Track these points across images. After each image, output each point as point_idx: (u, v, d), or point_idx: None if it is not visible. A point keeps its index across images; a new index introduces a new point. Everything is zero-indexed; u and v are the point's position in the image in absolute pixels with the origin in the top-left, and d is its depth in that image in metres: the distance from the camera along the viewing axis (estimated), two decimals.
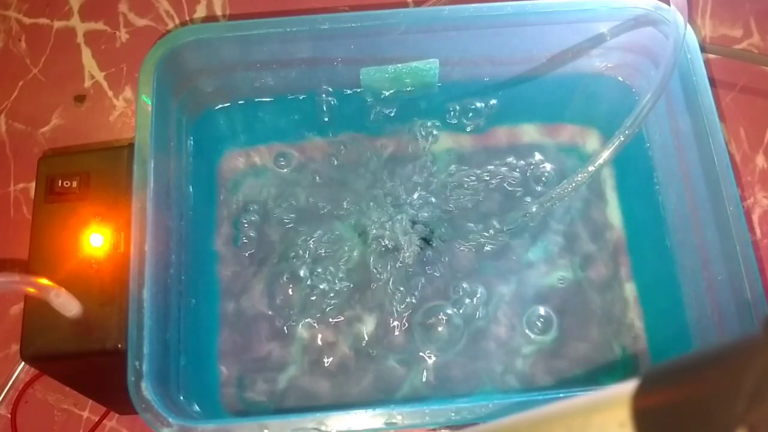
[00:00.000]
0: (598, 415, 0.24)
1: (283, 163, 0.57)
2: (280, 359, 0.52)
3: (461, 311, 0.53)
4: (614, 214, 0.56)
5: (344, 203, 0.56)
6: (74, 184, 0.48)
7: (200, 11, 0.64)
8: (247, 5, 0.64)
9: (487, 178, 0.56)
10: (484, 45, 0.55)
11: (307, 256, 0.54)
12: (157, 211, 0.47)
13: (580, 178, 0.48)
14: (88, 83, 0.62)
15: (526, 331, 0.52)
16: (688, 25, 0.49)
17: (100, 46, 0.63)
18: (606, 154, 0.47)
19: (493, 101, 0.58)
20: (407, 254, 0.54)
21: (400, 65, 0.56)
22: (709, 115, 0.49)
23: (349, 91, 0.58)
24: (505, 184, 0.56)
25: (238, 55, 0.54)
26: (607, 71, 0.58)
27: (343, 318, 0.53)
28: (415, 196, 0.55)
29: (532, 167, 0.57)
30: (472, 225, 0.55)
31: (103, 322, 0.45)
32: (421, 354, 0.52)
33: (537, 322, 0.52)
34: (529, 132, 0.58)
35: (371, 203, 0.55)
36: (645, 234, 0.55)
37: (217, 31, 0.53)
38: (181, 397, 0.47)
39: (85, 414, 0.52)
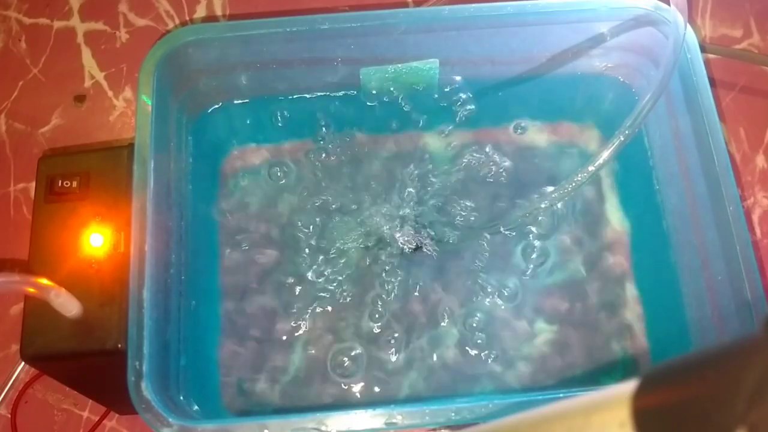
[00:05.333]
0: (598, 415, 0.24)
1: (282, 163, 0.57)
2: (281, 359, 0.52)
3: (461, 311, 0.53)
4: (614, 214, 0.56)
5: (344, 203, 0.56)
6: (74, 184, 0.48)
7: (200, 11, 0.64)
8: (247, 5, 0.64)
9: (487, 179, 0.56)
10: (484, 45, 0.55)
11: (307, 256, 0.54)
12: (157, 211, 0.47)
13: (580, 178, 0.48)
14: (88, 83, 0.62)
15: (526, 330, 0.52)
16: (688, 25, 0.49)
17: (100, 46, 0.63)
18: (606, 154, 0.47)
19: (492, 101, 0.58)
20: (407, 254, 0.54)
21: (400, 65, 0.56)
22: (709, 115, 0.49)
23: (349, 92, 0.58)
24: (504, 184, 0.56)
25: (238, 55, 0.54)
26: (607, 71, 0.58)
27: (344, 318, 0.53)
28: (415, 195, 0.55)
29: (531, 167, 0.57)
30: (471, 224, 0.55)
31: (103, 322, 0.45)
32: (421, 354, 0.52)
33: (537, 322, 0.52)
34: (530, 132, 0.58)
35: (372, 203, 0.55)
36: (645, 234, 0.55)
37: (217, 31, 0.53)
38: (181, 397, 0.47)
39: (85, 414, 0.52)
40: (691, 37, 0.51)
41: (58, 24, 0.64)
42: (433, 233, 0.54)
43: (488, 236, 0.54)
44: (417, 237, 0.54)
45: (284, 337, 0.52)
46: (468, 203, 0.55)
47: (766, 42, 0.61)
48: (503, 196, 0.56)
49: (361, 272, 0.54)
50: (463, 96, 0.58)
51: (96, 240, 0.47)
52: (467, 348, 0.52)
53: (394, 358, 0.52)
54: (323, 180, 0.57)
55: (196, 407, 0.48)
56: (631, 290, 0.53)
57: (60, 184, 0.48)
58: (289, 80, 0.57)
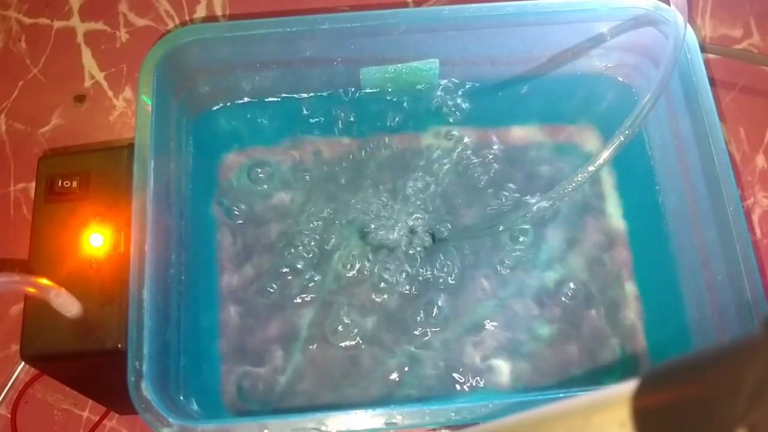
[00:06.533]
0: (598, 415, 0.24)
1: (282, 163, 0.57)
2: (281, 359, 0.52)
3: (460, 311, 0.53)
4: (614, 214, 0.56)
5: (344, 203, 0.56)
6: (74, 184, 0.48)
7: (200, 11, 0.64)
8: (247, 5, 0.64)
9: (487, 179, 0.56)
10: (484, 45, 0.55)
11: (307, 256, 0.54)
12: (157, 211, 0.47)
13: (580, 178, 0.48)
14: (88, 83, 0.62)
15: (526, 330, 0.52)
16: (688, 25, 0.49)
17: (100, 46, 0.63)
18: (606, 154, 0.47)
19: (493, 101, 0.58)
20: (407, 253, 0.54)
21: (400, 65, 0.56)
22: (709, 115, 0.49)
23: (349, 91, 0.58)
24: (504, 184, 0.56)
25: (238, 55, 0.54)
26: (607, 71, 0.58)
27: (344, 318, 0.53)
28: (415, 195, 0.55)
29: (531, 167, 0.57)
30: (471, 224, 0.55)
31: (103, 322, 0.45)
32: (421, 354, 0.52)
33: (536, 322, 0.52)
34: (529, 132, 0.58)
35: (371, 203, 0.55)
36: (645, 234, 0.55)
37: (217, 31, 0.53)
38: (181, 397, 0.47)
39: (85, 414, 0.52)
40: (691, 37, 0.51)
41: (58, 24, 0.64)
42: (431, 233, 0.54)
43: (487, 235, 0.54)
44: (416, 237, 0.54)
45: (284, 337, 0.52)
46: (467, 203, 0.55)
47: (766, 42, 0.61)
48: (503, 195, 0.56)
49: (362, 272, 0.54)
50: (463, 96, 0.58)
51: (96, 240, 0.47)
52: (466, 347, 0.52)
53: (394, 358, 0.52)
54: (323, 180, 0.57)
55: (196, 407, 0.48)
56: (631, 290, 0.53)
57: (60, 184, 0.48)
58: (289, 80, 0.57)
